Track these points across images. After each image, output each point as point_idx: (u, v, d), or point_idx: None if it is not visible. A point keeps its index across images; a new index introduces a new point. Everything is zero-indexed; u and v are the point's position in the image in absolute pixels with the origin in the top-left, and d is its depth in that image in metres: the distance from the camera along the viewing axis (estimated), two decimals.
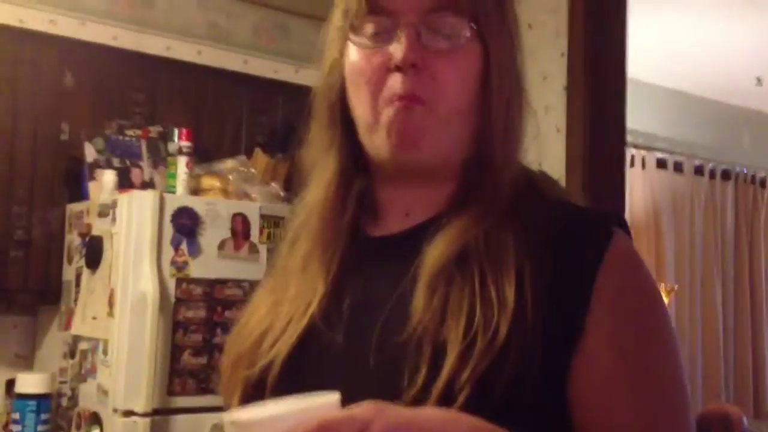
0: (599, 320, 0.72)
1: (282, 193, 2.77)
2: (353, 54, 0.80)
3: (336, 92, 0.83)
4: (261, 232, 2.53)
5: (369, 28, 0.79)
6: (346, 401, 0.64)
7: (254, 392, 0.78)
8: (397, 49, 0.76)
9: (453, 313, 0.71)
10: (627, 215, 2.75)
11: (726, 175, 4.92)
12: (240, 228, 2.50)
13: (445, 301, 0.72)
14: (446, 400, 0.68)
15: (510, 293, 0.71)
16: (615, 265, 0.74)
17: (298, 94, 3.65)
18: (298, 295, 0.82)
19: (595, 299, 0.72)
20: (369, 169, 0.84)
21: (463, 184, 0.81)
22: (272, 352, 0.79)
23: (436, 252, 0.75)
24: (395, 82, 0.76)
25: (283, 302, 0.82)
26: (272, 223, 2.56)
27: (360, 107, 0.80)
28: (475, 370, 0.68)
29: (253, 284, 2.43)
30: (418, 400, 0.69)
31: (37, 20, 2.71)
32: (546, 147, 2.55)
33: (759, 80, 4.38)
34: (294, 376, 0.78)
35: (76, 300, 2.55)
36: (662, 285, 4.37)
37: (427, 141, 0.77)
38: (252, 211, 2.53)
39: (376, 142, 0.79)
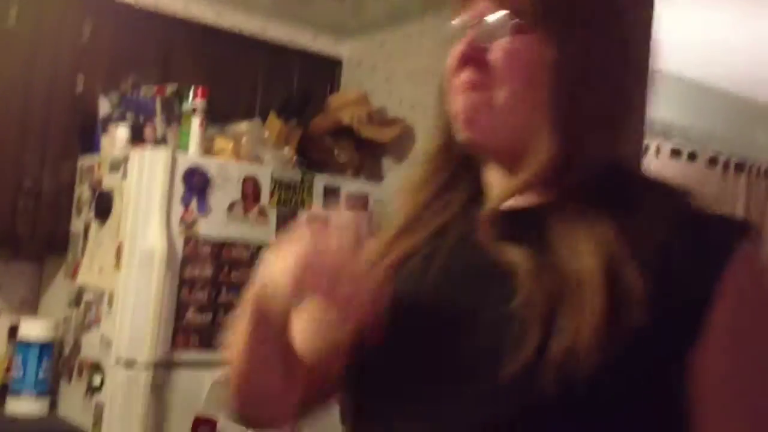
0: (721, 324, 0.72)
1: (294, 158, 2.78)
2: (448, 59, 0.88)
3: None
4: (271, 196, 2.54)
5: (454, 30, 0.87)
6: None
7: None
8: (457, 49, 0.83)
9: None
10: None
11: (740, 167, 4.90)
12: (250, 191, 2.51)
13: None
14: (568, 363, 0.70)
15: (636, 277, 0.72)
16: (741, 274, 0.74)
17: (315, 61, 3.65)
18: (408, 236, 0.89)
19: (718, 304, 0.72)
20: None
21: (552, 179, 0.81)
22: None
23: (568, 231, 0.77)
24: (458, 76, 0.84)
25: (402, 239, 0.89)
26: (283, 186, 2.57)
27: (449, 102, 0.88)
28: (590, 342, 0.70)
29: (261, 247, 2.47)
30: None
31: None
32: None
33: None
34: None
35: (83, 251, 2.57)
36: None
37: (482, 123, 0.82)
38: (263, 174, 2.54)
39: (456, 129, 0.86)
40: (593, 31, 0.81)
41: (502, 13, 0.81)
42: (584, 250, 0.74)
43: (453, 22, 0.86)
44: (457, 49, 0.83)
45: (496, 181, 0.87)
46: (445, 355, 0.78)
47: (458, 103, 0.83)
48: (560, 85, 0.79)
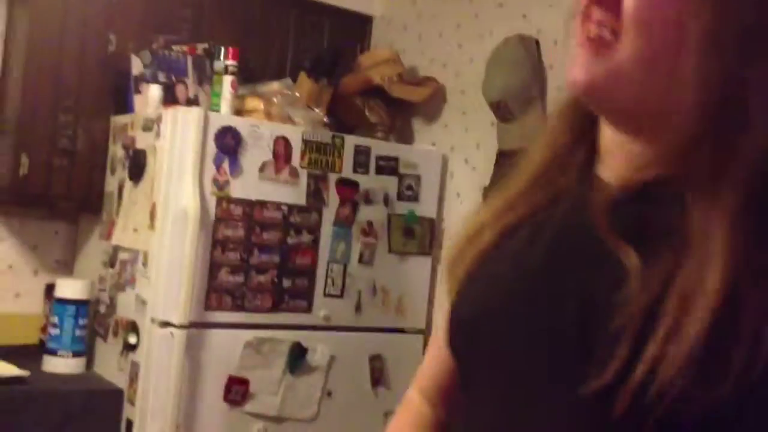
0: None
1: (325, 119, 2.76)
2: None
3: None
4: (302, 157, 2.53)
5: None
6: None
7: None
8: None
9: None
10: None
11: None
12: (282, 151, 2.50)
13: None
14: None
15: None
16: None
17: (346, 18, 3.59)
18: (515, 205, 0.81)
19: None
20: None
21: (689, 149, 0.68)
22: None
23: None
24: (583, 16, 0.70)
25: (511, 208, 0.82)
26: (314, 148, 2.56)
27: None
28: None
29: (292, 208, 2.48)
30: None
31: None
32: None
33: None
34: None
35: (117, 210, 2.59)
36: None
37: (592, 84, 0.69)
38: (295, 135, 2.53)
39: None
40: None
41: None
42: (713, 264, 0.61)
43: None
44: None
45: (614, 147, 0.73)
46: (529, 344, 0.70)
47: (576, 54, 0.69)
48: (718, 47, 0.64)
